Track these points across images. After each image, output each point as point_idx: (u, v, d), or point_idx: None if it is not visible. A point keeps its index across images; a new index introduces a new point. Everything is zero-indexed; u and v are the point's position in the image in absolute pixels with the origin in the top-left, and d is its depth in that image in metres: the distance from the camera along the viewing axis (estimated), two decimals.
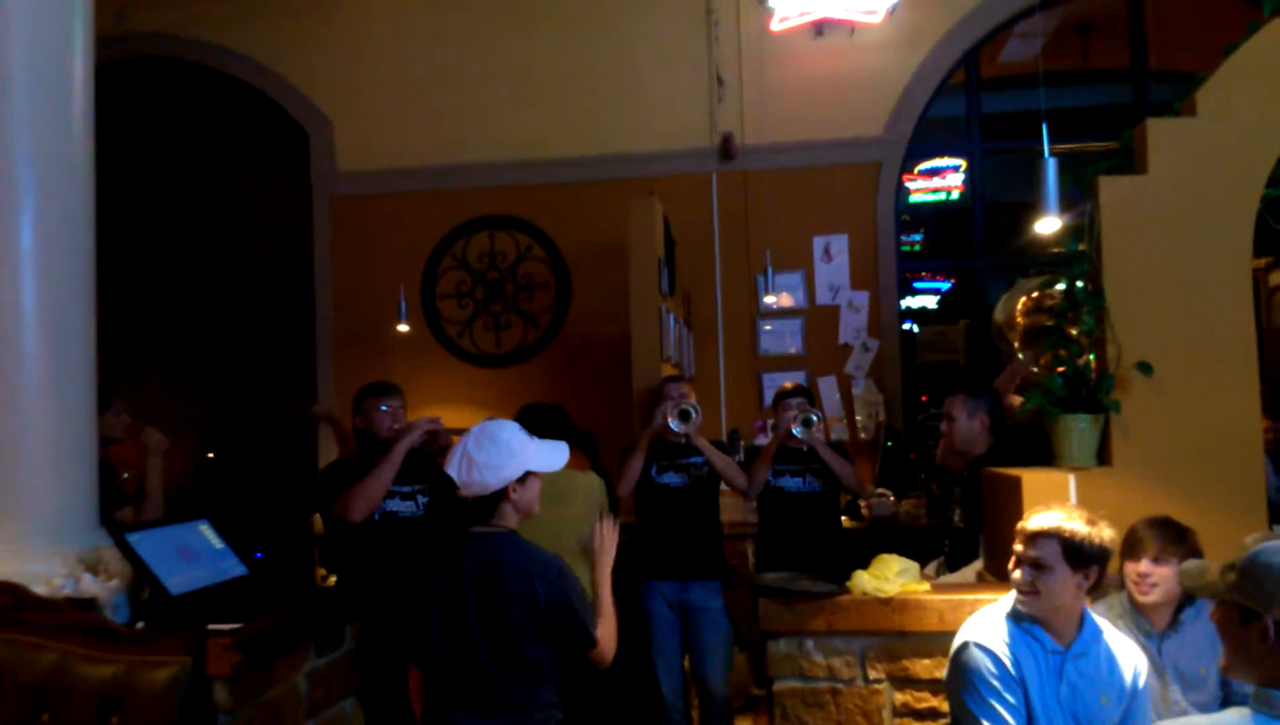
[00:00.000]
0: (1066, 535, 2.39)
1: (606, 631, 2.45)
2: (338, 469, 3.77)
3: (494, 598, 2.32)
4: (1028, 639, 2.43)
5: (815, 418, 4.10)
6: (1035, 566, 2.41)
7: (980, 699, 2.38)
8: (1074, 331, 3.29)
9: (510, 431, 2.49)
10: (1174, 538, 2.65)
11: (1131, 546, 2.69)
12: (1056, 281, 3.41)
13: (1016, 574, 2.46)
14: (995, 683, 2.38)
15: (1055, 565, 2.39)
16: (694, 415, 4.01)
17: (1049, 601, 2.41)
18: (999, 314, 5.93)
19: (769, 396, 6.32)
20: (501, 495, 2.44)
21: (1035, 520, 2.46)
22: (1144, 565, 2.65)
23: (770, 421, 6.23)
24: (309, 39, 6.83)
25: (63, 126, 2.71)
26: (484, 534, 2.42)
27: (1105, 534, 2.41)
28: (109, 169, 3.17)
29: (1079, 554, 2.38)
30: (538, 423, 4.04)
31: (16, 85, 2.60)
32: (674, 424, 3.99)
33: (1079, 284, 3.26)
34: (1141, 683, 2.43)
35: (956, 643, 2.51)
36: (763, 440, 6.15)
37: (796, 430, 4.07)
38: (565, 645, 2.38)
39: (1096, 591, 2.48)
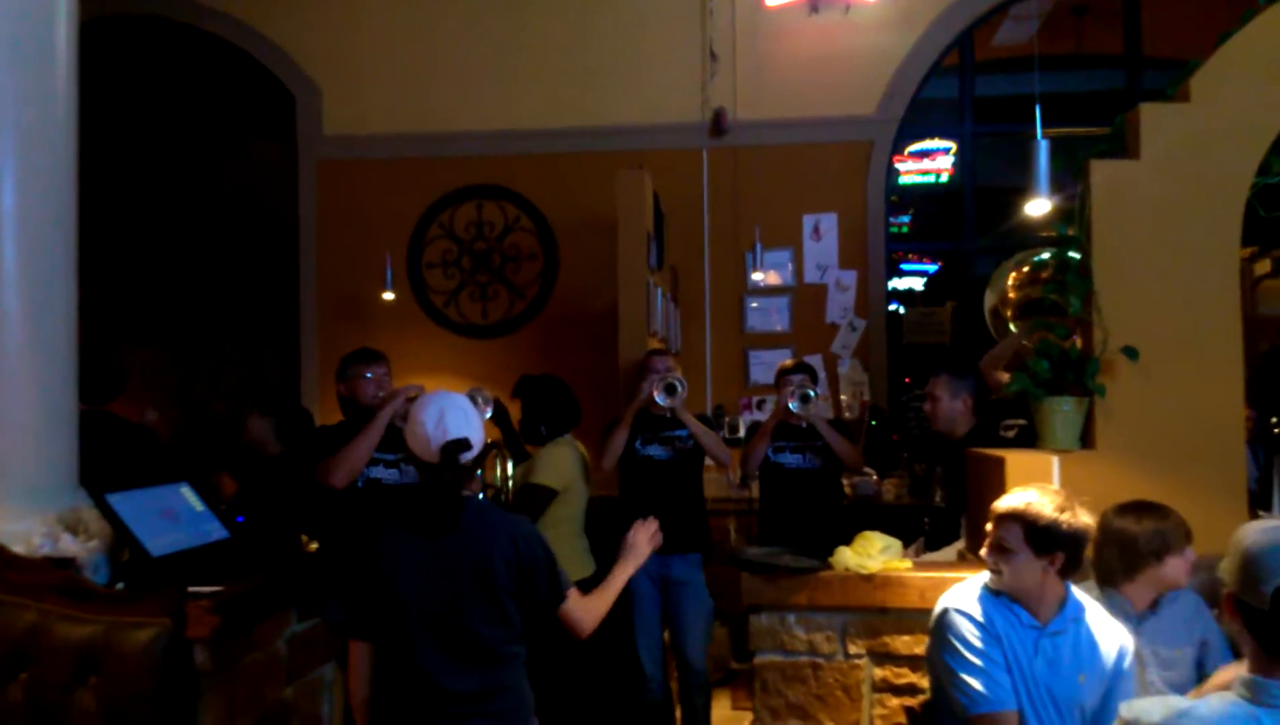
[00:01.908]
0: (1030, 519, 2.38)
1: (597, 605, 2.47)
2: (322, 435, 3.76)
3: (485, 559, 2.30)
4: (1005, 611, 2.44)
5: (813, 394, 4.11)
6: (999, 548, 2.43)
7: (963, 659, 2.40)
8: (1058, 299, 3.30)
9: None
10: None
11: (1176, 540, 2.62)
12: (1043, 254, 3.41)
13: (983, 553, 2.48)
14: (978, 642, 2.40)
15: (1018, 549, 2.39)
16: (679, 389, 4.01)
17: (1013, 583, 2.42)
18: (990, 297, 5.95)
19: (755, 373, 6.34)
20: (481, 457, 2.44)
21: (1004, 501, 2.46)
22: (1191, 554, 2.63)
23: (756, 398, 6.27)
24: (298, 1, 6.74)
25: (45, 85, 2.67)
26: (468, 498, 2.40)
27: (1078, 520, 2.38)
28: (92, 129, 3.13)
29: (1042, 539, 2.37)
30: (542, 394, 4.06)
31: None
32: (659, 398, 3.99)
33: (1072, 255, 3.26)
34: (1126, 664, 2.44)
35: (936, 610, 2.53)
36: (748, 417, 6.17)
37: (794, 405, 4.08)
38: (536, 602, 2.37)
39: (1070, 574, 2.46)
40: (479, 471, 2.49)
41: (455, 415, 2.34)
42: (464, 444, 2.32)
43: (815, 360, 6.30)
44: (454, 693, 2.29)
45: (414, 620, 2.29)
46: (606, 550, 4.09)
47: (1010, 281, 4.59)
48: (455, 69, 6.64)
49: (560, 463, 3.94)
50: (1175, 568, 2.65)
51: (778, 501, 4.33)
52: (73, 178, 2.76)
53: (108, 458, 3.72)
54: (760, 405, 6.30)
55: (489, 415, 3.81)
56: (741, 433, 6.05)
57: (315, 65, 6.78)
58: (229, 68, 6.88)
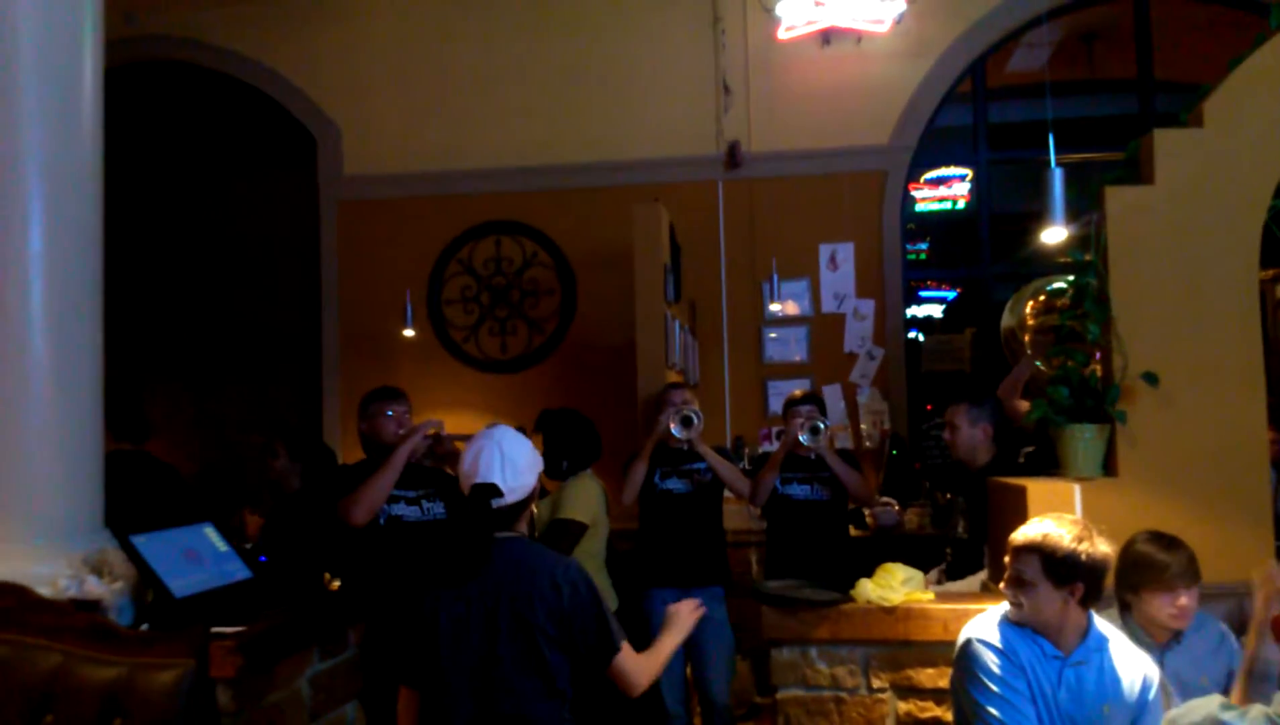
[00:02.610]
0: (1047, 552, 2.36)
1: (650, 664, 2.40)
2: (344, 473, 3.78)
3: (523, 602, 2.23)
4: (1028, 641, 2.42)
5: (823, 426, 4.10)
6: (1018, 581, 2.40)
7: (988, 690, 2.37)
8: (1077, 326, 3.29)
9: (518, 433, 2.44)
10: (1192, 558, 2.60)
11: (1161, 582, 2.59)
12: (1057, 283, 3.41)
13: (1003, 586, 2.46)
14: (1002, 673, 2.37)
15: (1037, 581, 2.37)
16: (695, 421, 4.01)
17: (1034, 616, 2.40)
18: (1008, 318, 5.92)
19: (774, 404, 6.33)
20: (531, 497, 2.38)
21: (1021, 533, 2.44)
22: (1184, 600, 2.58)
23: (775, 429, 6.25)
24: (316, 44, 6.86)
25: (72, 129, 2.71)
26: (510, 539, 2.33)
27: (1098, 550, 2.36)
28: (117, 172, 3.18)
29: (1061, 570, 2.35)
30: (564, 428, 4.06)
31: (26, 87, 2.61)
32: (675, 430, 4.00)
33: (1090, 280, 3.25)
34: (1152, 695, 2.40)
35: (960, 641, 2.51)
36: (767, 447, 6.15)
37: (804, 437, 4.07)
38: (582, 652, 2.27)
39: (1091, 603, 2.43)
40: (527, 508, 2.41)
41: (491, 457, 2.29)
42: (492, 490, 2.26)
43: (834, 390, 6.30)
44: None
45: (450, 666, 2.24)
46: (625, 585, 4.10)
47: (1028, 309, 4.57)
48: (472, 107, 6.72)
49: (587, 497, 3.94)
50: (1155, 605, 2.61)
51: (784, 533, 4.31)
52: (99, 221, 2.80)
53: (146, 497, 3.77)
54: (780, 436, 6.29)
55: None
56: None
57: (335, 107, 6.88)
58: (251, 110, 6.99)
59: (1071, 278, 3.42)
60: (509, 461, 2.30)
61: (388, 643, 2.35)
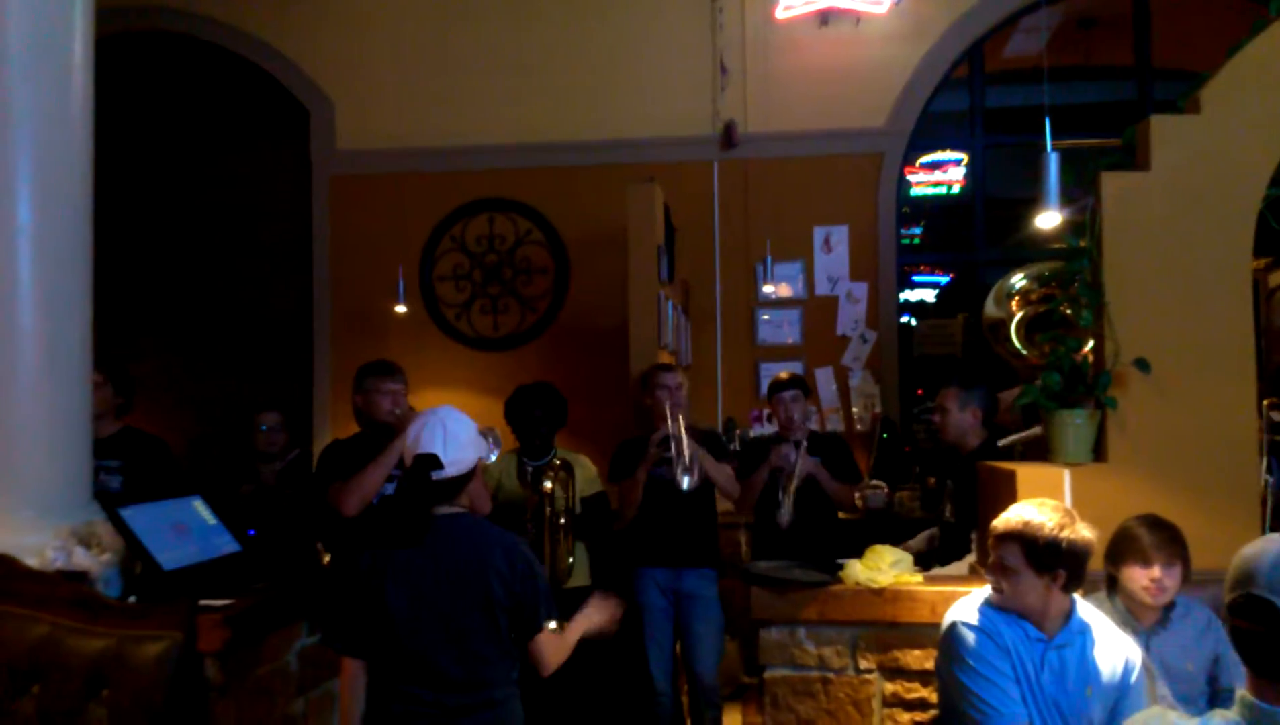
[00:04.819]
0: (1028, 539, 2.36)
1: (559, 646, 2.45)
2: (335, 450, 3.74)
3: (475, 573, 2.31)
4: (1011, 624, 2.43)
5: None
6: (1000, 568, 2.41)
7: (973, 672, 2.39)
8: (1069, 312, 3.29)
9: (462, 413, 2.50)
10: (1175, 538, 2.64)
11: (1136, 552, 2.64)
12: (1018, 279, 3.41)
13: (985, 571, 2.48)
14: (986, 655, 2.39)
15: (1019, 568, 2.37)
16: (694, 473, 3.88)
17: (1017, 601, 2.41)
18: (992, 308, 5.93)
19: (765, 386, 6.33)
20: (472, 474, 2.44)
21: (1002, 520, 2.44)
22: (1157, 572, 2.62)
23: (766, 411, 6.25)
24: (311, 17, 6.79)
25: (61, 100, 2.69)
26: (453, 514, 2.40)
27: (1079, 536, 2.36)
28: (107, 144, 3.15)
29: (1042, 557, 2.35)
30: (534, 398, 4.04)
31: (15, 58, 2.59)
32: (684, 482, 3.86)
33: (1083, 266, 3.25)
34: (1134, 678, 2.42)
35: (944, 624, 2.53)
36: (758, 429, 6.16)
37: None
38: (518, 621, 2.37)
39: (1074, 589, 2.44)
40: (469, 484, 2.46)
41: (433, 433, 2.37)
42: (432, 461, 2.33)
43: (826, 372, 6.30)
44: (443, 706, 2.30)
45: (404, 635, 2.29)
46: (616, 564, 4.11)
47: (1015, 304, 4.58)
48: (467, 83, 6.67)
49: (593, 468, 4.04)
50: (1130, 577, 2.67)
51: (772, 514, 4.30)
52: (88, 192, 2.78)
53: (132, 472, 3.76)
54: (770, 418, 6.30)
55: (493, 457, 3.51)
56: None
57: (328, 80, 6.82)
58: (243, 82, 6.93)
59: (1040, 268, 3.42)
60: (451, 436, 2.38)
61: (335, 616, 2.37)
